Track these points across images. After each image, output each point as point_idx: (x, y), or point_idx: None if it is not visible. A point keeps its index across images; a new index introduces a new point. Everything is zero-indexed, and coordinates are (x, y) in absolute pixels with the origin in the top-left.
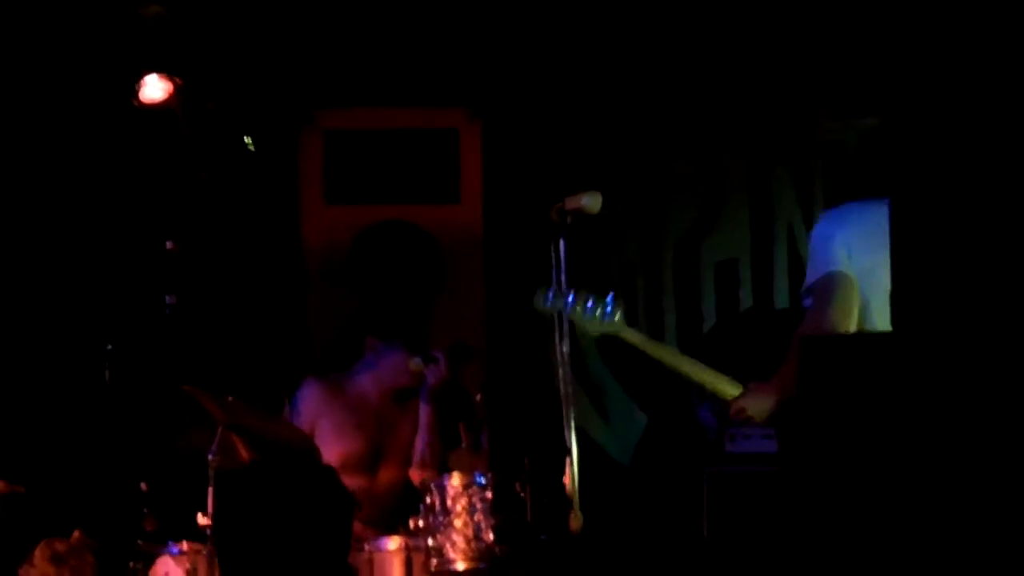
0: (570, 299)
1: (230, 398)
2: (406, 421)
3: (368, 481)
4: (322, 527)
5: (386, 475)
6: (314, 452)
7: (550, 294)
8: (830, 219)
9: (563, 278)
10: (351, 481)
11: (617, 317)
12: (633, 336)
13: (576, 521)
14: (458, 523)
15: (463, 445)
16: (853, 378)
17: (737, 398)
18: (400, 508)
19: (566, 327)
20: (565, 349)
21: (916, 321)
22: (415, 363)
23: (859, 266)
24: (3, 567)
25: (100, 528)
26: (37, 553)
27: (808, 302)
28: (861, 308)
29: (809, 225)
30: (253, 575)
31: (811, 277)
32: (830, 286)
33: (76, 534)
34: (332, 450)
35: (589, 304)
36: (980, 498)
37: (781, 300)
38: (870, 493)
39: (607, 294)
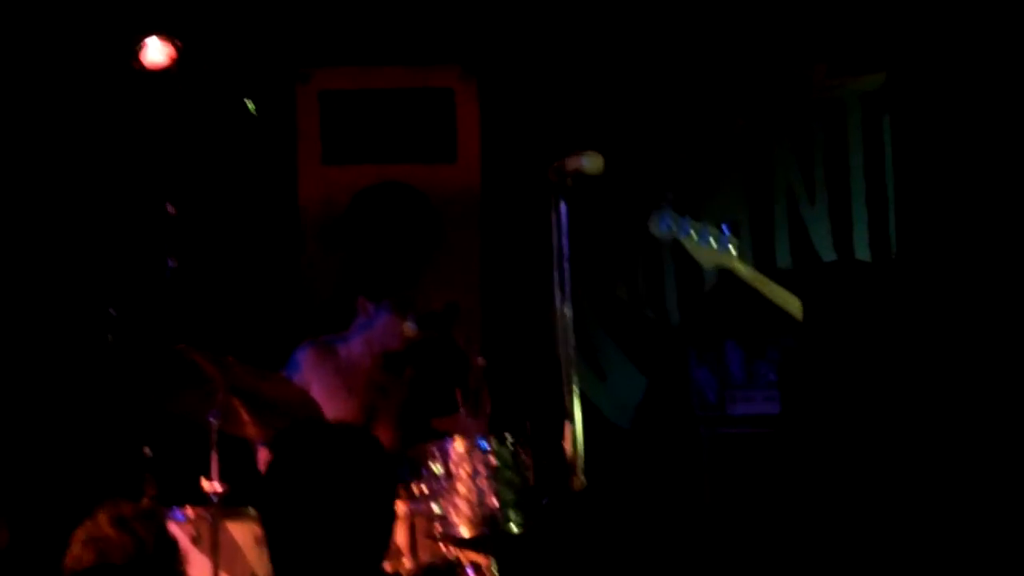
0: (686, 226)
1: (230, 358)
2: (398, 385)
3: None
4: (373, 499)
5: (380, 436)
6: (316, 412)
7: (666, 217)
8: None
9: (564, 240)
10: None
11: (731, 249)
12: (745, 270)
13: (579, 484)
14: (461, 488)
15: (460, 410)
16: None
17: None
18: None
19: (567, 288)
20: (567, 312)
21: (918, 257)
22: (409, 327)
23: None
24: None
25: (103, 493)
26: (101, 514)
27: None
28: None
29: (811, 191)
30: (302, 546)
31: None
32: None
33: (146, 499)
34: (324, 412)
35: (704, 233)
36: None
37: (782, 260)
38: (870, 443)
39: (721, 225)
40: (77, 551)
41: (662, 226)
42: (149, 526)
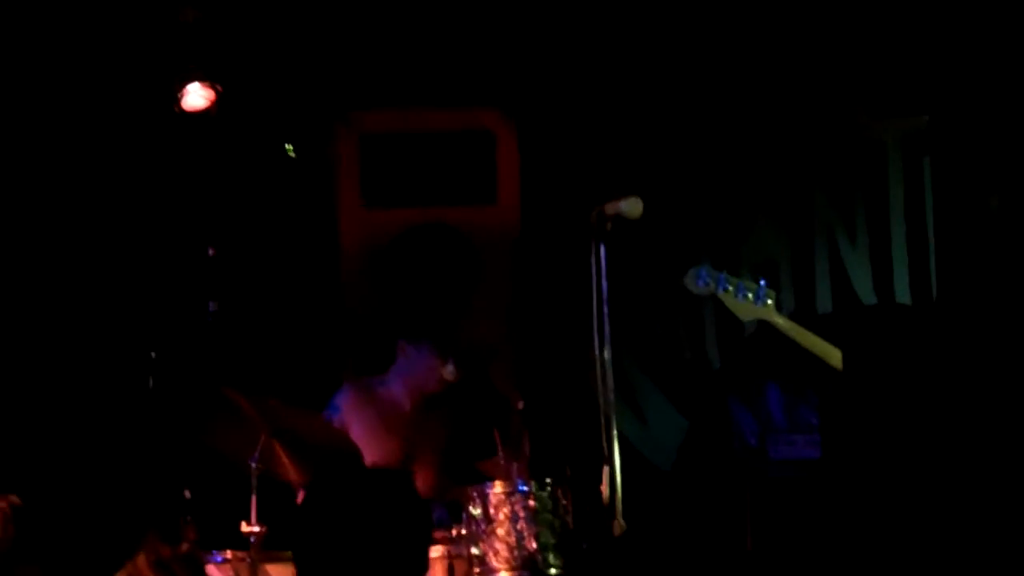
0: (722, 281)
1: (271, 400)
2: (437, 425)
3: None
4: (405, 543)
5: (420, 477)
6: (357, 455)
7: (703, 274)
8: None
9: (604, 284)
10: None
11: (768, 302)
12: (783, 322)
13: (619, 528)
14: (500, 531)
15: (499, 453)
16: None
17: None
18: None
19: (607, 332)
20: (606, 355)
21: (959, 301)
22: (448, 371)
23: None
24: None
25: (143, 536)
26: (140, 557)
27: None
28: None
29: (851, 234)
30: None
31: None
32: None
33: (185, 544)
34: (364, 454)
35: (740, 288)
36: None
37: (823, 303)
38: (914, 485)
39: (759, 279)
40: None
41: (699, 283)
42: (188, 569)
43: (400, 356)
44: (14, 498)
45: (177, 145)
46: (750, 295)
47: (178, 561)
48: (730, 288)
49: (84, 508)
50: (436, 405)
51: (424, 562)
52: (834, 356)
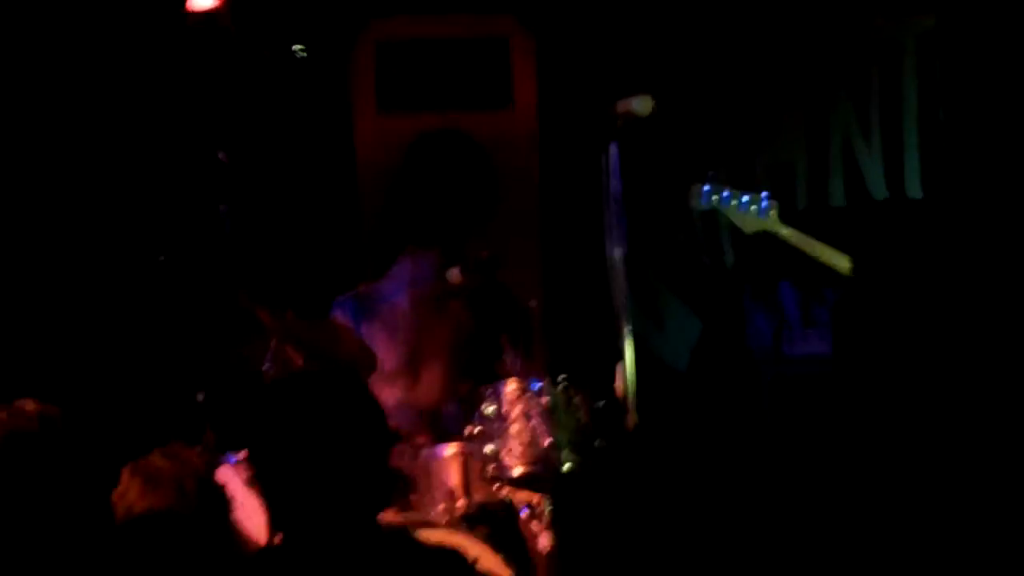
0: (726, 196)
1: (288, 313)
2: (445, 324)
3: (411, 388)
4: (357, 439)
5: (428, 379)
6: (372, 360)
7: (706, 190)
8: None
9: (615, 183)
10: (393, 391)
11: (772, 214)
12: (788, 232)
13: (632, 420)
14: (514, 429)
15: (507, 354)
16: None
17: None
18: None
19: (622, 234)
20: (617, 255)
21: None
22: (453, 274)
23: None
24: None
25: (158, 440)
26: (154, 452)
27: None
28: None
29: (867, 134)
30: (290, 490)
31: None
32: None
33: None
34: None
35: (744, 201)
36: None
37: (836, 199)
38: (923, 378)
39: (762, 192)
40: (126, 479)
41: (703, 200)
42: (201, 459)
43: (406, 259)
44: (53, 408)
45: (189, 48)
46: (753, 208)
47: (190, 452)
48: (734, 202)
49: (103, 412)
50: (443, 307)
51: (381, 468)
52: (844, 264)
